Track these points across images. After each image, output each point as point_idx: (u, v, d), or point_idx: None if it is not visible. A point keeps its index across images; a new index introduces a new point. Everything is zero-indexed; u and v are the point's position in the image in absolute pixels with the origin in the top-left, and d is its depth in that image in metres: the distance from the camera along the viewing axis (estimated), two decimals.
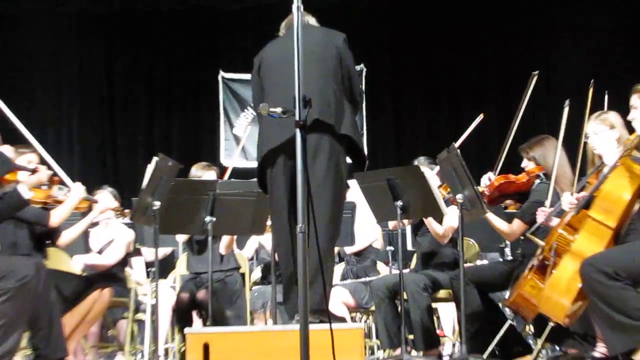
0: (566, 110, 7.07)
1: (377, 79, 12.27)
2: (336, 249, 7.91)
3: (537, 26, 12.18)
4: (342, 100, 5.86)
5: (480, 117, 7.98)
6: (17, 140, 6.85)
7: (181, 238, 8.35)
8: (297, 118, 3.80)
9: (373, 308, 7.55)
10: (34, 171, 6.64)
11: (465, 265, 6.63)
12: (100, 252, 8.40)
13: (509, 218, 7.18)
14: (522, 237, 7.00)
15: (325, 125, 5.64)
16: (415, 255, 7.91)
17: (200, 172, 8.05)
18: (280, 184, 5.70)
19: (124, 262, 8.45)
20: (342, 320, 7.41)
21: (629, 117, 5.94)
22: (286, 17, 6.10)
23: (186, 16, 12.61)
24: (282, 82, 5.57)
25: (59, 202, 6.97)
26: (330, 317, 5.28)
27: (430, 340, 7.22)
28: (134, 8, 12.49)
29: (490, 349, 6.71)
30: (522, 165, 7.16)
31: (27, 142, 7.03)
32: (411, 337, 7.09)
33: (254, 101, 6.26)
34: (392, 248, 7.97)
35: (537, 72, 7.25)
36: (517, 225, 7.02)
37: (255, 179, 6.24)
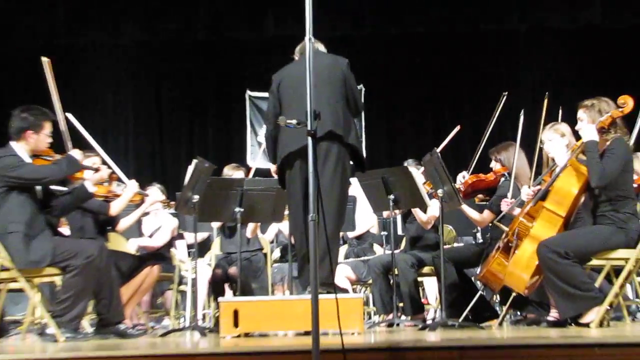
0: (521, 118, 7.13)
1: (374, 97, 12.24)
2: (340, 234, 7.96)
3: (503, 57, 12.16)
4: (348, 114, 5.92)
5: (457, 128, 7.97)
6: (84, 146, 6.86)
7: (215, 225, 8.37)
8: (308, 128, 3.81)
9: (370, 281, 7.56)
10: (97, 170, 6.65)
11: (445, 246, 6.62)
12: (150, 236, 8.47)
13: (479, 209, 7.19)
14: (490, 224, 7.01)
15: (335, 135, 5.71)
16: (404, 239, 7.92)
17: (231, 172, 8.07)
18: (297, 182, 5.73)
19: (170, 244, 8.51)
20: (345, 291, 7.38)
21: (576, 127, 5.98)
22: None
23: (219, 45, 12.60)
24: (297, 98, 5.57)
25: (117, 195, 7.00)
26: (335, 289, 5.29)
27: (417, 307, 7.23)
28: (177, 39, 12.48)
29: (464, 314, 6.70)
30: (491, 165, 7.17)
31: (92, 147, 7.07)
32: (401, 304, 7.08)
33: (268, 111, 6.23)
34: (385, 233, 7.95)
35: (506, 92, 7.27)
36: (487, 214, 7.07)
37: (275, 177, 6.27)
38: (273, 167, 6.38)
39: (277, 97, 6.01)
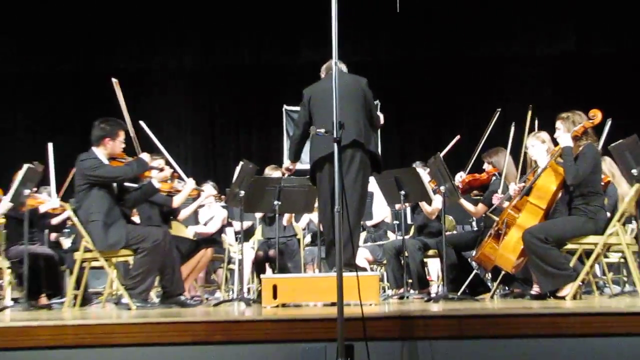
0: (512, 130, 7.15)
1: (388, 111, 12.20)
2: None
3: (496, 78, 12.08)
4: (368, 125, 5.88)
5: (457, 137, 7.96)
6: (152, 150, 6.89)
7: (258, 215, 8.37)
8: (334, 136, 3.79)
9: (385, 262, 7.53)
10: (161, 170, 6.68)
11: (446, 233, 6.58)
12: (205, 224, 8.49)
13: (474, 202, 7.18)
14: (483, 215, 7.01)
15: (359, 143, 5.69)
16: (412, 227, 7.89)
17: (271, 172, 8.06)
18: (325, 181, 5.70)
19: (221, 230, 8.55)
20: (364, 270, 7.38)
21: (555, 135, 5.98)
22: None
23: (261, 69, 12.59)
24: (325, 111, 5.55)
25: (178, 191, 7.01)
26: (357, 268, 5.28)
27: (423, 283, 7.22)
28: (227, 64, 12.50)
29: (462, 289, 6.69)
30: (484, 167, 7.16)
31: (159, 151, 7.08)
32: (410, 281, 7.06)
33: (298, 120, 6.17)
34: (397, 222, 7.94)
35: (499, 109, 7.24)
36: (480, 207, 7.07)
37: (307, 176, 6.25)
38: (287, 163, 6.45)
39: (307, 109, 5.97)
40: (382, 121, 6.28)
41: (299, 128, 6.08)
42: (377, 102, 11.91)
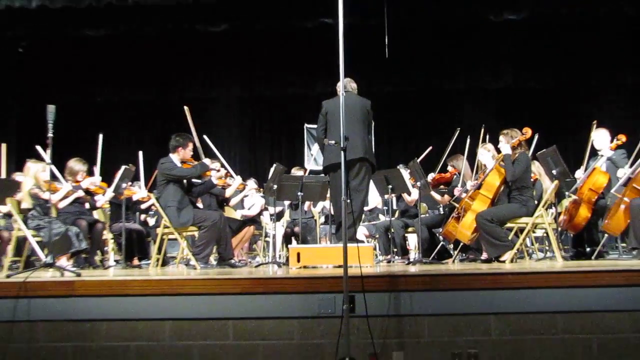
0: (468, 142, 7.14)
1: (381, 129, 12.16)
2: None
3: (455, 104, 11.99)
4: (370, 140, 5.83)
5: (430, 148, 7.93)
6: (212, 156, 6.91)
7: (286, 202, 8.38)
8: (341, 146, 3.78)
9: (377, 236, 7.51)
10: (218, 171, 6.71)
11: (421, 216, 6.57)
12: (249, 209, 8.47)
13: (441, 194, 7.14)
14: (448, 203, 6.97)
15: (365, 159, 5.65)
16: (397, 211, 7.88)
17: (295, 172, 8.04)
18: (338, 180, 5.63)
19: (260, 213, 8.52)
20: (362, 242, 7.37)
21: (499, 146, 5.99)
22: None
23: (288, 97, 12.43)
24: (337, 125, 5.49)
25: (229, 185, 7.02)
26: (358, 241, 5.28)
27: (404, 251, 7.19)
28: (264, 94, 12.39)
29: (432, 255, 6.68)
30: (448, 169, 7.13)
31: (217, 157, 7.11)
32: (395, 250, 7.04)
33: (318, 129, 5.96)
34: (386, 207, 7.89)
35: (459, 128, 7.21)
36: (446, 197, 7.03)
37: (322, 175, 6.25)
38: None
39: (325, 119, 5.80)
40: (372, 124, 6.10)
41: (319, 131, 5.93)
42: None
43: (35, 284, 4.03)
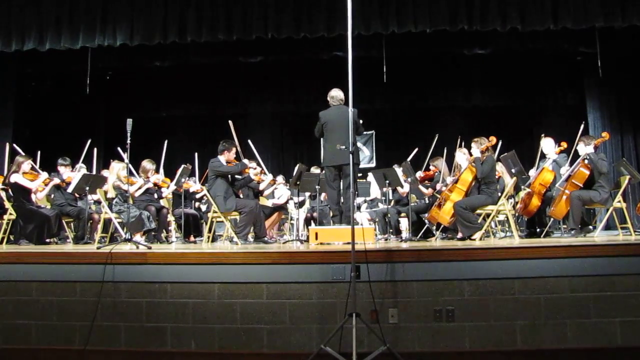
0: (445, 150, 7.09)
1: (380, 139, 12.12)
2: (361, 198, 7.91)
3: (434, 118, 11.85)
4: (355, 143, 5.62)
5: (416, 149, 7.85)
6: (250, 157, 6.89)
7: (307, 193, 8.32)
8: (350, 150, 3.74)
9: (377, 220, 7.47)
10: (255, 169, 6.69)
11: (411, 204, 6.53)
12: (278, 199, 8.45)
13: (427, 187, 7.08)
14: (432, 194, 6.91)
15: (357, 164, 5.54)
16: (392, 201, 7.81)
17: (314, 170, 7.99)
18: (335, 178, 5.57)
19: (287, 202, 8.48)
20: (365, 225, 7.33)
21: (471, 151, 5.90)
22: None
23: (309, 114, 12.21)
24: (334, 132, 5.37)
25: (263, 180, 7.01)
26: (360, 223, 5.21)
27: (398, 232, 7.12)
28: (289, 110, 12.23)
29: (419, 235, 6.63)
30: (431, 168, 7.07)
31: (255, 157, 7.08)
32: (391, 230, 7.00)
33: (316, 130, 5.67)
34: (384, 197, 7.82)
35: (437, 134, 7.13)
36: (430, 190, 6.94)
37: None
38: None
39: (321, 126, 5.58)
40: (363, 129, 5.91)
41: (316, 134, 5.72)
42: (372, 131, 11.87)
43: (118, 254, 4.09)
